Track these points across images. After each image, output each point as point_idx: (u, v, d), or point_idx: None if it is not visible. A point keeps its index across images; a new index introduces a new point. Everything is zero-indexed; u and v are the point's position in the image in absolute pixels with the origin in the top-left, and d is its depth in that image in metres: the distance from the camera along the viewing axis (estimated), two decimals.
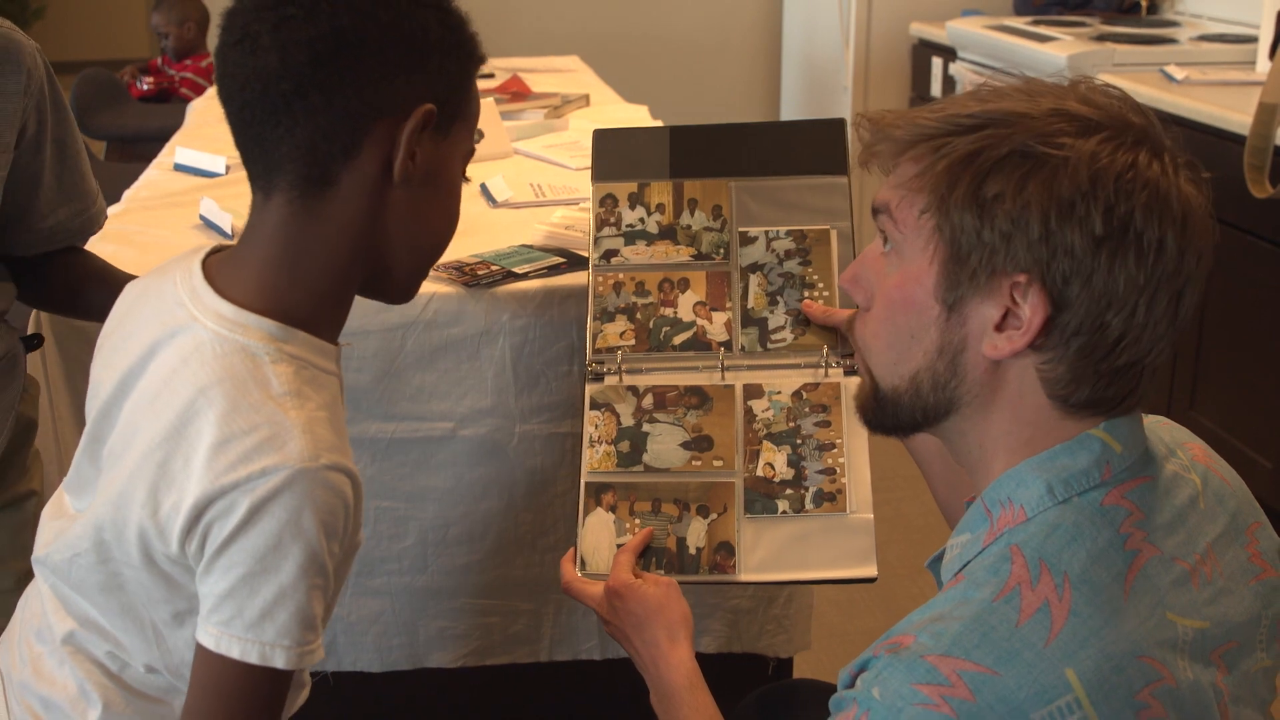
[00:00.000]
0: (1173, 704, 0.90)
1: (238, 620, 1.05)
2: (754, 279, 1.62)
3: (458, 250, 1.93)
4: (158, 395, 1.09)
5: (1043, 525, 0.94)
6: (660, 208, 1.68)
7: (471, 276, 1.81)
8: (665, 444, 1.53)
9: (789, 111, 5.18)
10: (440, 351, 1.79)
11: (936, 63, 4.28)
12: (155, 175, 2.46)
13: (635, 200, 1.68)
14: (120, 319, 1.20)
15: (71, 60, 8.13)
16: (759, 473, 1.50)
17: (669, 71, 5.11)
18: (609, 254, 1.67)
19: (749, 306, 1.60)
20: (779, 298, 1.60)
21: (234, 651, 1.05)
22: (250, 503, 1.02)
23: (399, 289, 1.19)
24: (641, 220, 1.68)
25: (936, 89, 4.28)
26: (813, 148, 1.68)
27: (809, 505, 1.46)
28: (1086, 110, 0.94)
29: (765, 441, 1.51)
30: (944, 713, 0.85)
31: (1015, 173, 0.91)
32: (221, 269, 1.13)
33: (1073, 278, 0.91)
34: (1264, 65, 3.07)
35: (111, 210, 2.18)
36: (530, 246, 1.95)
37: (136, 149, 3.93)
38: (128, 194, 2.30)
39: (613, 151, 1.73)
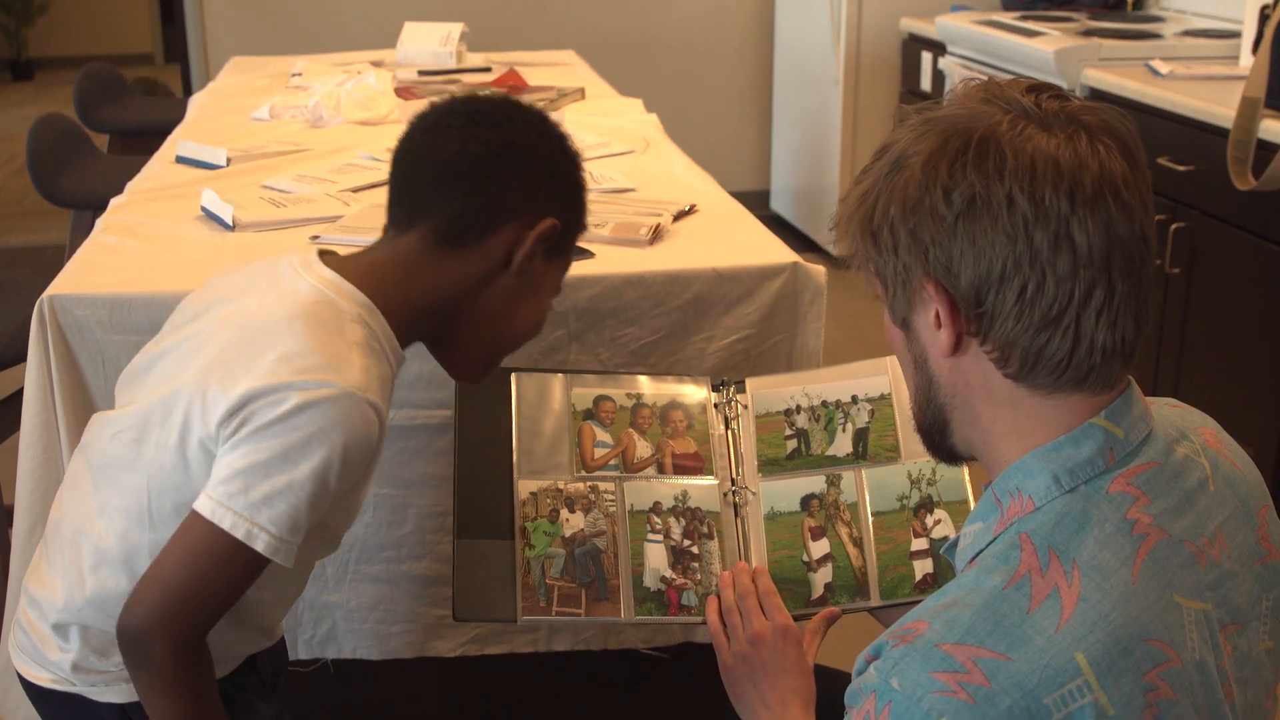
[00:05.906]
0: (1180, 685, 0.93)
1: (241, 497, 1.17)
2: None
3: None
4: (247, 314, 1.26)
5: (1051, 514, 0.97)
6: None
7: None
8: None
9: (781, 105, 5.22)
10: None
11: (926, 57, 4.31)
12: (157, 167, 2.48)
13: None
14: (219, 279, 1.38)
15: (75, 55, 8.17)
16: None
17: (663, 65, 5.15)
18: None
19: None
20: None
21: (225, 522, 1.17)
22: (300, 400, 1.17)
23: (463, 364, 1.38)
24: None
25: (926, 83, 4.32)
26: None
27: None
28: (944, 112, 0.99)
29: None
30: (961, 698, 0.88)
31: (884, 198, 1.00)
32: (338, 260, 1.32)
33: (951, 261, 0.96)
34: (1247, 60, 3.10)
35: (114, 202, 2.21)
36: None
37: (139, 142, 3.95)
38: (130, 185, 2.32)
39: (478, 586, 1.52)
